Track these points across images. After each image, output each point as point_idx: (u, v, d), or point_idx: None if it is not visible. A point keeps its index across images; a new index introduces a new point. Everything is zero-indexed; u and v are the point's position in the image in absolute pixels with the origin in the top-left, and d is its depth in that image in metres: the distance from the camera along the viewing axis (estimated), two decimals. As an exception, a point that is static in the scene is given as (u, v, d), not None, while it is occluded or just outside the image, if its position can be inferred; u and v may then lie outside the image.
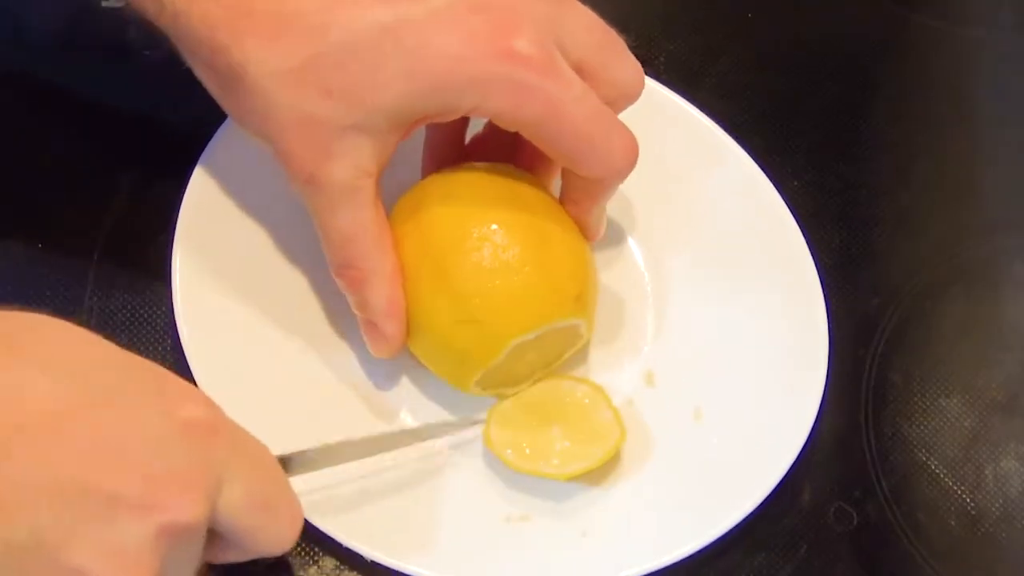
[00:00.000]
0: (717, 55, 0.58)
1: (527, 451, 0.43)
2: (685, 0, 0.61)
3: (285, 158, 0.41)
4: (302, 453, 0.40)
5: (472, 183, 0.44)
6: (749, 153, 0.51)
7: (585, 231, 0.45)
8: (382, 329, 0.43)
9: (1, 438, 0.29)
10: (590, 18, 0.42)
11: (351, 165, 0.40)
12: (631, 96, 0.44)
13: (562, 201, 0.45)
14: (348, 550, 0.41)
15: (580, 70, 0.41)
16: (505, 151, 0.46)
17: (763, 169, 0.51)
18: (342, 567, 0.42)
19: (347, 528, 0.41)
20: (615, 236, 0.51)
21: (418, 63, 0.39)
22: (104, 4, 0.42)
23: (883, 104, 0.58)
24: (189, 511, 0.31)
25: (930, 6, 0.62)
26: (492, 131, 0.47)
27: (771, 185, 0.50)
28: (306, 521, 0.40)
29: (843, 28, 0.61)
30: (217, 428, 0.33)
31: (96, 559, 0.29)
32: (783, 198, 0.50)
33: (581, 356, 0.47)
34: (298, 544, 0.41)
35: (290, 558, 0.42)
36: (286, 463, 0.39)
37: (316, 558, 0.42)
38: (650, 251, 0.50)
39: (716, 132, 0.51)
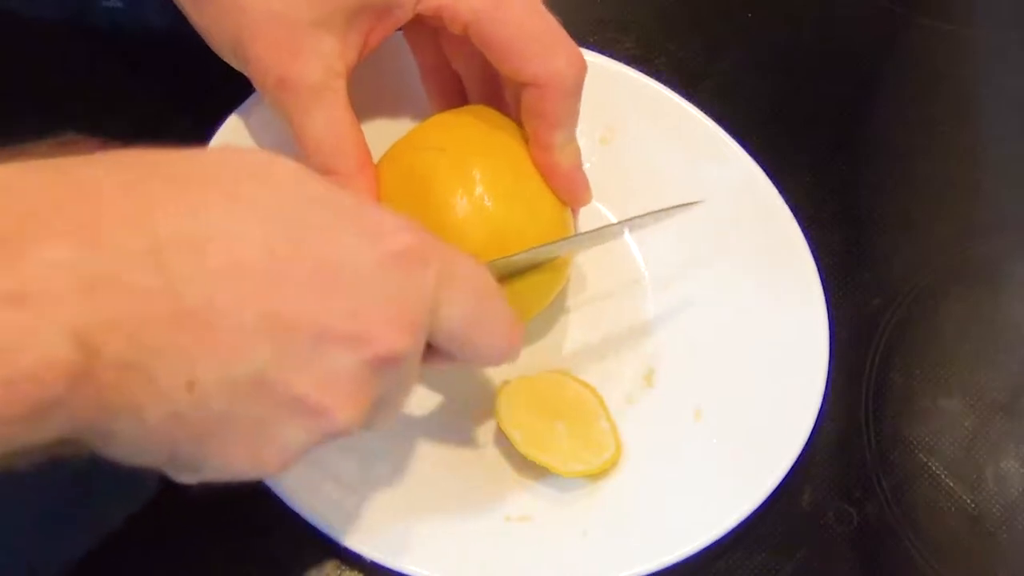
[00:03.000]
0: (717, 55, 0.58)
1: (534, 437, 0.43)
2: (685, 0, 0.61)
3: (256, 64, 0.42)
4: (503, 260, 0.41)
5: (460, 128, 0.44)
6: (749, 153, 0.51)
7: (552, 173, 0.44)
8: None
9: (218, 281, 0.29)
10: None
11: (320, 65, 0.41)
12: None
13: (530, 144, 0.44)
14: (348, 550, 0.41)
15: None
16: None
17: (763, 169, 0.51)
18: (342, 567, 0.42)
19: (347, 529, 0.41)
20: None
21: None
22: (104, 3, 0.42)
23: (883, 104, 0.58)
24: (397, 343, 0.31)
25: (930, 6, 0.62)
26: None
27: (771, 185, 0.50)
28: (306, 522, 0.41)
29: (843, 28, 0.61)
30: (427, 255, 0.33)
31: (314, 388, 0.30)
32: (783, 198, 0.50)
33: (583, 355, 0.48)
34: (298, 544, 0.42)
35: (290, 558, 0.42)
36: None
37: (316, 558, 0.42)
38: (650, 251, 0.50)
39: (716, 132, 0.51)
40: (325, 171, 0.42)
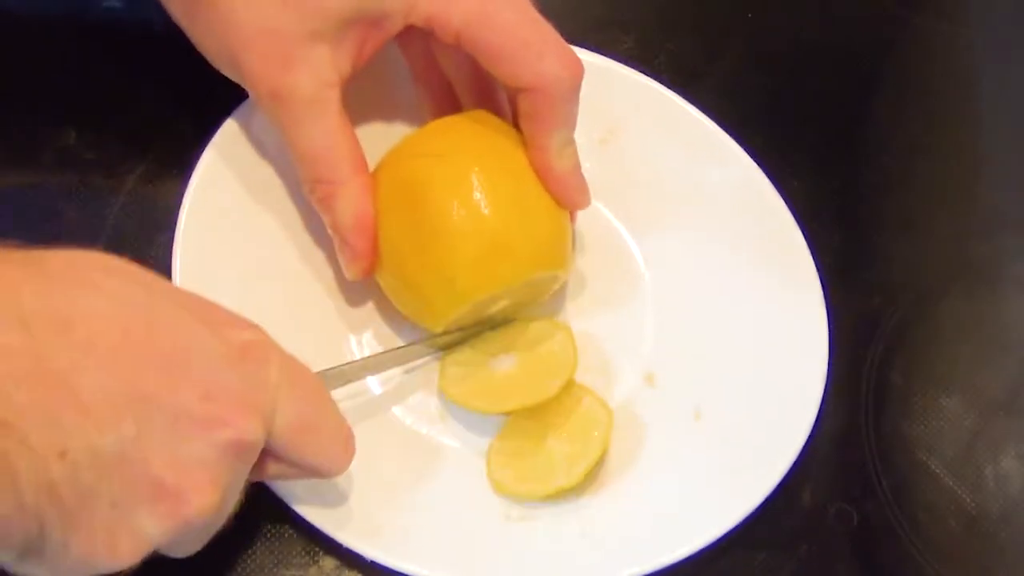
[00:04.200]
0: (717, 55, 0.58)
1: (533, 474, 0.43)
2: (685, 0, 0.61)
3: (249, 76, 0.42)
4: (336, 369, 0.42)
5: (456, 134, 0.44)
6: (749, 153, 0.51)
7: (548, 177, 0.43)
8: (351, 245, 0.43)
9: (81, 351, 0.30)
10: None
11: (313, 76, 0.41)
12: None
13: (527, 148, 0.44)
14: (348, 550, 0.41)
15: None
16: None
17: (763, 169, 0.51)
18: (342, 567, 0.42)
19: (347, 528, 0.41)
20: (615, 236, 0.51)
21: None
22: (104, 3, 0.42)
23: (883, 104, 0.58)
24: (250, 430, 0.33)
25: (930, 6, 0.62)
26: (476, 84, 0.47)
27: (771, 185, 0.50)
28: (306, 521, 0.41)
29: (843, 28, 0.61)
30: (268, 354, 0.35)
31: (172, 470, 0.31)
32: (783, 198, 0.50)
33: (583, 356, 0.47)
34: (298, 544, 0.42)
35: (290, 558, 0.42)
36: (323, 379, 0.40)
37: (316, 558, 0.42)
38: (650, 251, 0.50)
39: (716, 132, 0.51)
40: (318, 181, 0.43)
